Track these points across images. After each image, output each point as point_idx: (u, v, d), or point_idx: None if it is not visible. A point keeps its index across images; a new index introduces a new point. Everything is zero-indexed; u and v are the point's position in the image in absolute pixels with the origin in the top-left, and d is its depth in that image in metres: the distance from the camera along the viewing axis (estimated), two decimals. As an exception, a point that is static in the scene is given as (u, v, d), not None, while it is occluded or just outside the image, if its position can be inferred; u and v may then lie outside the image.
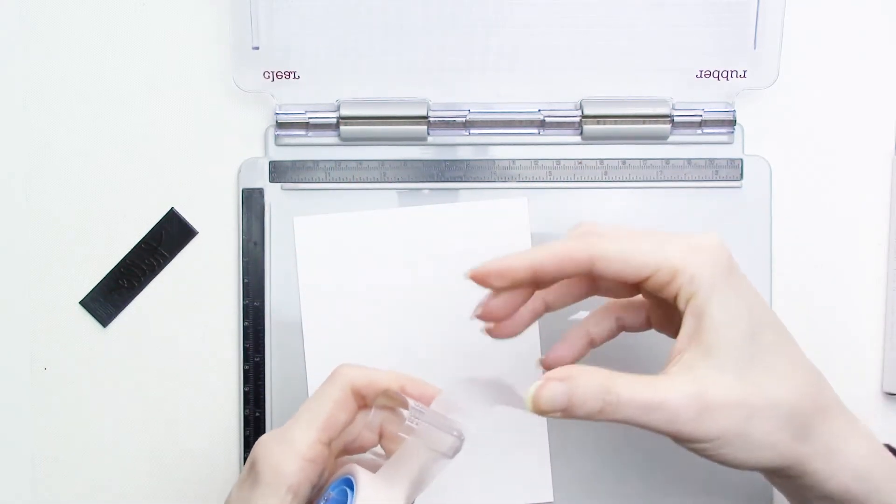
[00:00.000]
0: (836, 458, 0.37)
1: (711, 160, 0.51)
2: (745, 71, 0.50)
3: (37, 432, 0.52)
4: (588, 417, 0.35)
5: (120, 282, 0.52)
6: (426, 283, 0.51)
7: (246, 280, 0.51)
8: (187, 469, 0.52)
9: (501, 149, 0.51)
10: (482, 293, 0.40)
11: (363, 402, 0.39)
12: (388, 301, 0.51)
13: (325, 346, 0.51)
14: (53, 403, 0.52)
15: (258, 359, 0.51)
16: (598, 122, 0.51)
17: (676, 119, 0.51)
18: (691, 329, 0.36)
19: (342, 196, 0.51)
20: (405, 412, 0.39)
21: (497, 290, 0.39)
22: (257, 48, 0.50)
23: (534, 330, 0.51)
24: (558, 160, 0.51)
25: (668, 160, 0.51)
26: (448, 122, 0.51)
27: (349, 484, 0.38)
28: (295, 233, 0.51)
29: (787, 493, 0.40)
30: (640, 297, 0.41)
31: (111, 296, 0.52)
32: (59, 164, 0.52)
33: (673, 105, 0.51)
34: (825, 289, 0.52)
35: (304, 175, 0.51)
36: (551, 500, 0.51)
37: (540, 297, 0.41)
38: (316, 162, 0.51)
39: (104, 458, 0.52)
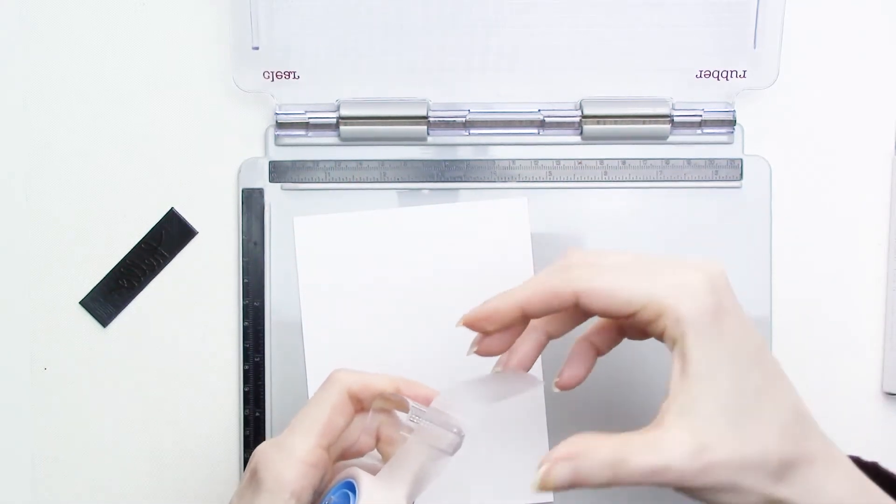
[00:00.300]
0: (817, 497, 0.37)
1: (711, 160, 0.51)
2: (745, 71, 0.50)
3: (37, 432, 0.52)
4: (605, 486, 0.36)
5: (120, 282, 0.52)
6: (426, 283, 0.51)
7: (246, 280, 0.51)
8: (187, 469, 0.52)
9: (501, 149, 0.51)
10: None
11: (360, 405, 0.39)
12: (388, 301, 0.51)
13: (325, 346, 0.51)
14: (53, 403, 0.52)
15: (258, 359, 0.51)
16: (598, 122, 0.51)
17: (676, 119, 0.51)
18: (680, 373, 0.36)
19: (342, 196, 0.51)
20: (402, 415, 0.39)
21: (490, 333, 0.40)
22: (257, 48, 0.50)
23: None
24: (558, 160, 0.51)
25: (667, 160, 0.51)
26: (448, 122, 0.51)
27: (350, 487, 0.38)
28: (295, 233, 0.51)
29: None
30: None
31: (111, 296, 0.52)
32: (59, 164, 0.52)
33: (673, 105, 0.51)
34: (825, 289, 0.52)
35: (304, 175, 0.51)
36: (551, 500, 0.51)
37: (541, 328, 0.41)
38: (316, 162, 0.51)
39: (104, 458, 0.52)
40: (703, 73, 0.51)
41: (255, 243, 0.51)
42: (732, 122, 0.51)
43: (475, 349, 0.41)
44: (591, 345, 0.42)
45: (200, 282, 0.52)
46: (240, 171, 0.52)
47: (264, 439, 0.51)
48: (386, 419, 0.40)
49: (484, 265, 0.51)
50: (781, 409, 0.37)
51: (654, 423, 0.37)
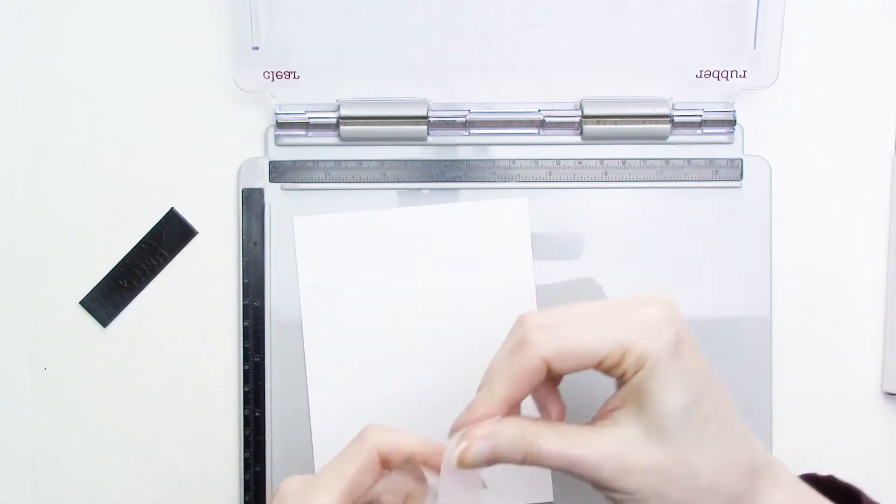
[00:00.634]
0: None
1: (711, 160, 0.51)
2: (745, 71, 0.50)
3: (37, 432, 0.52)
4: (515, 464, 0.37)
5: (120, 282, 0.52)
6: (426, 283, 0.51)
7: (246, 280, 0.51)
8: (187, 469, 0.52)
9: (501, 149, 0.51)
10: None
11: (387, 465, 0.39)
12: (388, 301, 0.51)
13: (325, 346, 0.51)
14: (53, 403, 0.52)
15: (258, 359, 0.51)
16: (598, 122, 0.51)
17: (676, 119, 0.51)
18: (629, 393, 0.37)
19: (342, 196, 0.51)
20: (430, 475, 0.39)
21: None
22: (257, 48, 0.50)
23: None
24: (558, 160, 0.51)
25: (668, 160, 0.51)
26: (448, 122, 0.51)
27: None
28: (295, 233, 0.51)
29: None
30: None
31: (111, 296, 0.52)
32: (59, 164, 0.52)
33: (673, 105, 0.51)
34: (825, 289, 0.52)
35: (304, 175, 0.51)
36: (551, 499, 0.51)
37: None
38: (316, 162, 0.51)
39: (104, 458, 0.52)
40: (703, 73, 0.51)
41: (255, 243, 0.51)
42: (732, 122, 0.51)
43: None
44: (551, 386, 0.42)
45: (200, 282, 0.52)
46: (240, 171, 0.52)
47: (264, 439, 0.51)
48: (412, 477, 0.40)
49: (484, 265, 0.51)
50: (725, 436, 0.37)
51: (591, 421, 0.38)
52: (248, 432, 0.51)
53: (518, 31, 0.50)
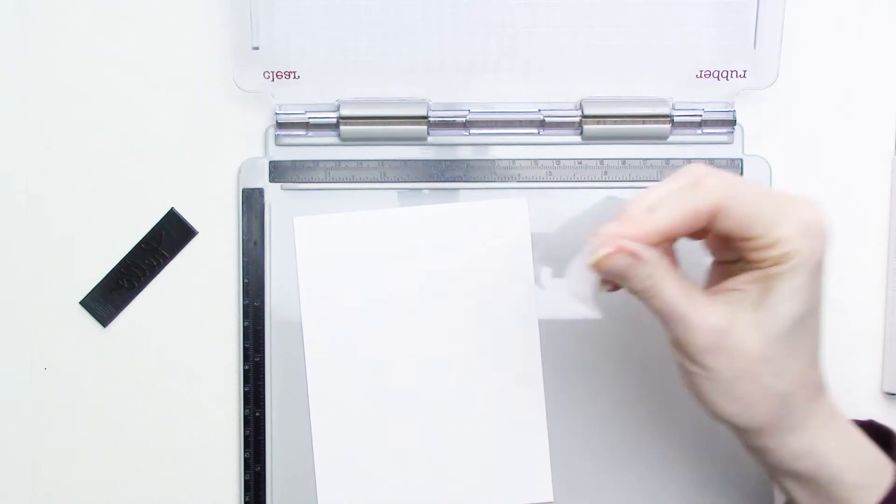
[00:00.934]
0: (810, 446, 0.40)
1: (711, 160, 0.51)
2: (745, 71, 0.50)
3: (37, 432, 0.52)
4: (631, 291, 0.38)
5: (120, 282, 0.52)
6: (426, 283, 0.51)
7: (246, 280, 0.51)
8: (187, 469, 0.52)
9: (501, 149, 0.51)
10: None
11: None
12: (388, 301, 0.51)
13: (325, 346, 0.51)
14: (53, 403, 0.52)
15: (258, 359, 0.51)
16: (598, 122, 0.51)
17: (676, 119, 0.51)
18: (757, 280, 0.38)
19: (342, 196, 0.51)
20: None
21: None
22: (257, 48, 0.50)
23: (532, 322, 0.51)
24: (558, 160, 0.51)
25: (668, 160, 0.51)
26: (448, 122, 0.51)
27: None
28: (295, 233, 0.51)
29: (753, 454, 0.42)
30: None
31: (111, 296, 0.52)
32: (59, 164, 0.52)
33: (673, 105, 0.51)
34: (824, 289, 0.52)
35: (304, 175, 0.51)
36: (551, 499, 0.51)
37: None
38: (316, 162, 0.51)
39: (104, 458, 0.52)
40: (703, 73, 0.50)
41: (255, 243, 0.51)
42: (732, 122, 0.51)
43: (609, 287, 0.40)
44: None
45: (200, 282, 0.52)
46: (240, 171, 0.52)
47: (264, 439, 0.51)
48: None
49: (484, 265, 0.51)
50: (812, 352, 0.40)
51: (705, 290, 0.39)
52: (248, 432, 0.51)
53: (518, 31, 0.50)
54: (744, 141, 0.51)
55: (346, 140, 0.51)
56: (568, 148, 0.51)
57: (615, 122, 0.51)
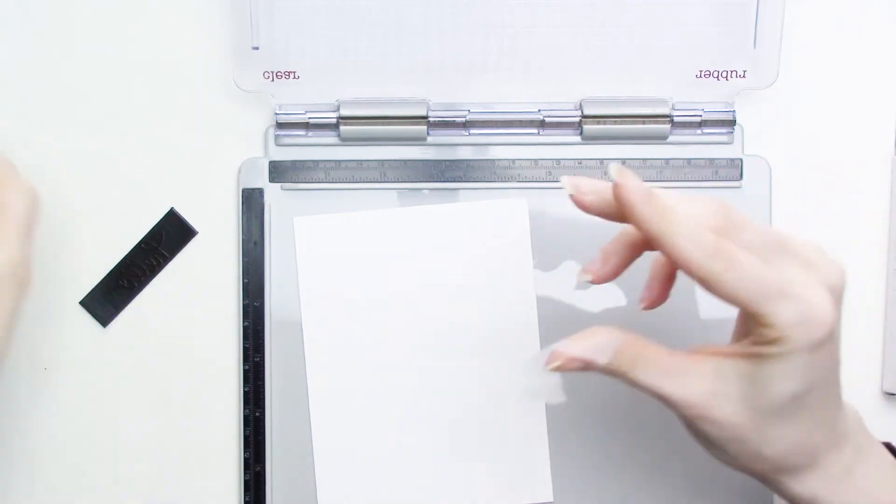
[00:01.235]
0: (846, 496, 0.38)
1: (711, 160, 0.51)
2: (745, 71, 0.50)
3: (37, 432, 0.52)
4: (607, 373, 0.37)
5: (120, 282, 0.52)
6: (426, 283, 0.51)
7: (246, 280, 0.51)
8: (187, 469, 0.52)
9: (501, 149, 0.51)
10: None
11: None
12: (388, 301, 0.51)
13: (325, 346, 0.51)
14: (53, 403, 0.52)
15: (258, 359, 0.51)
16: (598, 122, 0.51)
17: (676, 119, 0.51)
18: (745, 353, 0.36)
19: (342, 196, 0.51)
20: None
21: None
22: (257, 48, 0.50)
23: (532, 322, 0.51)
24: (558, 160, 0.51)
25: (667, 160, 0.51)
26: (448, 122, 0.51)
27: None
28: (295, 233, 0.51)
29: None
30: None
31: (111, 296, 0.52)
32: (58, 164, 0.52)
33: (673, 105, 0.51)
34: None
35: (304, 175, 0.51)
36: (551, 499, 0.51)
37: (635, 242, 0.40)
38: (316, 162, 0.51)
39: (104, 458, 0.52)
40: (703, 73, 0.51)
41: (255, 243, 0.51)
42: (732, 122, 0.51)
43: (590, 278, 0.40)
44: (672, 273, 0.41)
45: (200, 282, 0.52)
46: (240, 171, 0.52)
47: (264, 439, 0.51)
48: None
49: (484, 265, 0.51)
50: (812, 420, 0.37)
51: (691, 350, 0.37)
52: (248, 432, 0.51)
53: (518, 31, 0.50)
54: (744, 141, 0.51)
55: (346, 140, 0.51)
56: (568, 148, 0.51)
57: (615, 122, 0.51)
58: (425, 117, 0.51)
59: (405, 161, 0.51)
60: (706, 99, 0.51)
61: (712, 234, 0.35)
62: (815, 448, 0.38)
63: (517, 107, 0.51)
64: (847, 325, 0.52)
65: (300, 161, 0.51)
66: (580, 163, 0.51)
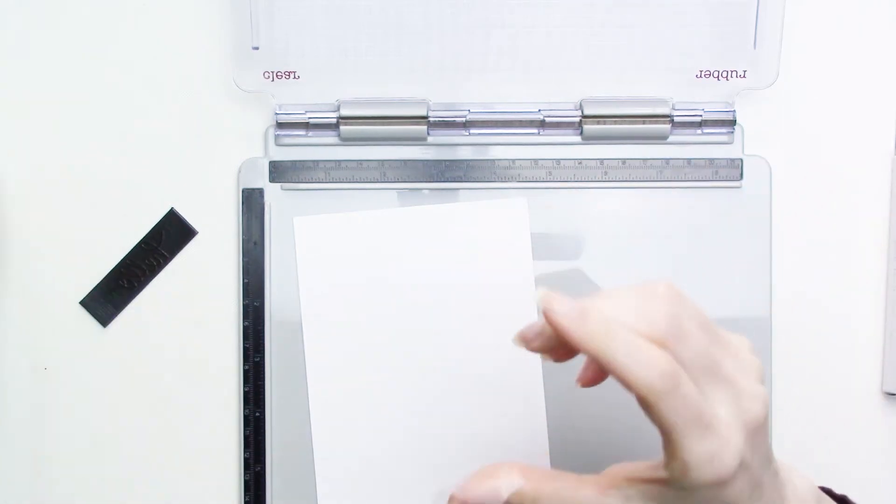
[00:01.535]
0: None
1: (711, 160, 0.51)
2: (745, 71, 0.50)
3: (37, 432, 0.52)
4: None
5: (120, 282, 0.52)
6: (426, 283, 0.51)
7: (246, 280, 0.51)
8: (187, 469, 0.52)
9: (501, 149, 0.51)
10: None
11: None
12: (388, 301, 0.51)
13: (325, 346, 0.51)
14: (53, 403, 0.52)
15: (258, 359, 0.51)
16: (598, 122, 0.51)
17: (676, 119, 0.51)
18: (656, 476, 0.35)
19: (342, 196, 0.51)
20: None
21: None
22: (257, 48, 0.50)
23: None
24: (558, 160, 0.51)
25: (667, 160, 0.51)
26: (448, 122, 0.51)
27: None
28: (295, 233, 0.51)
29: None
30: None
31: (111, 296, 0.52)
32: (59, 163, 0.52)
33: (673, 105, 0.51)
34: (825, 289, 0.52)
35: (304, 175, 0.51)
36: (551, 500, 0.51)
37: None
38: (316, 162, 0.51)
39: (104, 458, 0.52)
40: (703, 73, 0.51)
41: (255, 243, 0.51)
42: (732, 122, 0.51)
43: (581, 383, 0.39)
44: None
45: (200, 282, 0.52)
46: (240, 171, 0.52)
47: (264, 439, 0.51)
48: None
49: (484, 265, 0.51)
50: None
51: (602, 482, 0.36)
52: (248, 432, 0.51)
53: (518, 31, 0.50)
54: (744, 141, 0.51)
55: (346, 140, 0.51)
56: (568, 148, 0.51)
57: (615, 122, 0.51)
58: (425, 117, 0.51)
59: (405, 161, 0.51)
60: (706, 99, 0.51)
61: (656, 348, 0.33)
62: None
63: (517, 107, 0.51)
64: (847, 324, 0.52)
65: (300, 161, 0.51)
66: (580, 163, 0.51)
